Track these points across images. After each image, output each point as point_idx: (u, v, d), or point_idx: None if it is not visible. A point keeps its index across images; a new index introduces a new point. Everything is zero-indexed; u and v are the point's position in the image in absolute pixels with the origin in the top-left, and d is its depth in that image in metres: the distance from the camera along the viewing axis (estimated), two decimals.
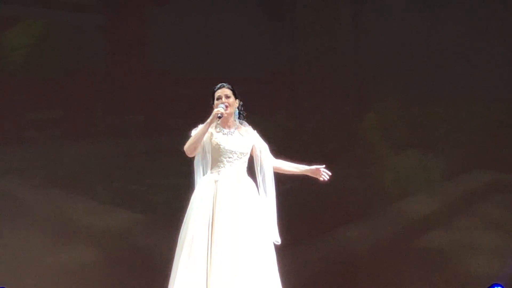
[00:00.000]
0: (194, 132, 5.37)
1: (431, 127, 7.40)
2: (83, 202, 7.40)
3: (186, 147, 5.34)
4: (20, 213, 7.34)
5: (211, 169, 5.32)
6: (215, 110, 5.29)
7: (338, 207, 7.28)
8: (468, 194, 7.40)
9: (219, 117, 5.26)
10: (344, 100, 7.47)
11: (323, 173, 5.31)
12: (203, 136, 5.29)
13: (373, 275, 7.27)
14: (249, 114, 6.48)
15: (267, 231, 5.31)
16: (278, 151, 6.54)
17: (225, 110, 5.32)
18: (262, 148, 5.46)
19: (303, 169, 5.39)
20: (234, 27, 7.57)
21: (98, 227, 7.37)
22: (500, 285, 6.40)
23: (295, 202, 7.13)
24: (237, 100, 5.47)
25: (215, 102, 5.42)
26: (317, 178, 5.35)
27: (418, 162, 7.36)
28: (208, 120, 5.27)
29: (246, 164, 5.42)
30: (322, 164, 5.36)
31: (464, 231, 7.29)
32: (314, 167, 5.33)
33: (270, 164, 5.45)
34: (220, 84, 5.47)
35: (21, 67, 7.57)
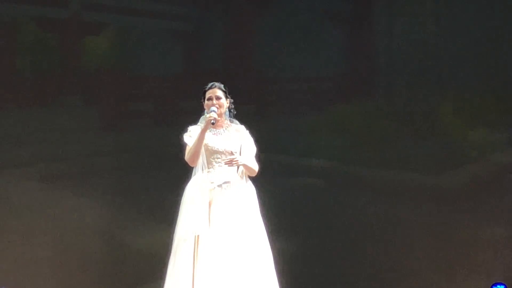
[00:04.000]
0: (187, 138, 4.98)
1: (492, 111, 7.84)
2: None
3: (187, 158, 4.94)
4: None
5: (203, 170, 4.99)
6: (208, 116, 4.88)
7: (425, 162, 7.84)
8: None
9: (213, 123, 4.88)
10: (427, 90, 7.94)
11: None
12: (202, 144, 4.90)
13: (472, 204, 7.66)
14: (348, 100, 7.59)
15: (257, 232, 5.01)
16: (374, 131, 7.83)
17: (217, 112, 4.92)
18: (247, 147, 5.08)
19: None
20: (330, 37, 7.95)
21: None
22: (503, 284, 6.41)
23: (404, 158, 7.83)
24: (228, 99, 5.05)
25: (206, 102, 4.99)
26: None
27: (486, 136, 7.89)
28: (203, 128, 4.88)
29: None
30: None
31: None
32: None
33: (246, 160, 5.05)
34: (211, 84, 5.03)
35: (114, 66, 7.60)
